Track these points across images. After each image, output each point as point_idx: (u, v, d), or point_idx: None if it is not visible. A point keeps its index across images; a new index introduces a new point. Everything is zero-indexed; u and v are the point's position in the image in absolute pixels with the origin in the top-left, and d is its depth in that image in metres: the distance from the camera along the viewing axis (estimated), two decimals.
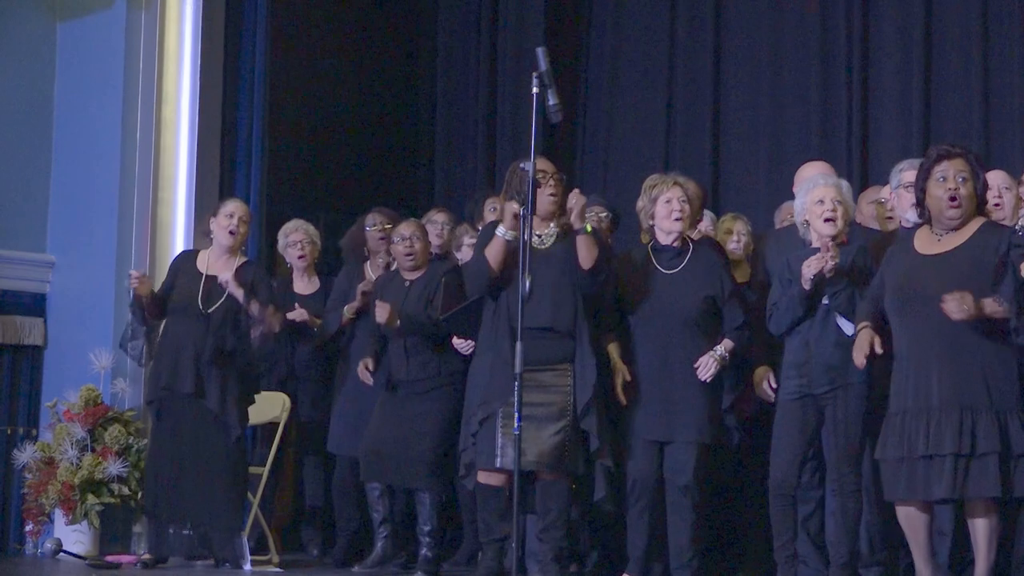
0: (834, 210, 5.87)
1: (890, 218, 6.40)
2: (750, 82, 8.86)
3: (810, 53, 8.59)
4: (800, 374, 5.88)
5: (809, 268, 5.76)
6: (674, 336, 6.18)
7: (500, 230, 6.20)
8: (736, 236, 7.03)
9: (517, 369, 5.38)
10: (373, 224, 7.54)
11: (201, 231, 7.25)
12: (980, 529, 5.30)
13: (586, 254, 6.11)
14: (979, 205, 5.43)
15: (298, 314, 7.55)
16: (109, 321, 8.02)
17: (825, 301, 5.84)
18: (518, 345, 5.37)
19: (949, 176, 5.35)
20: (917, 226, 5.70)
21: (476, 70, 9.82)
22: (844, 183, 6.09)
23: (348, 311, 7.37)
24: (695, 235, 6.73)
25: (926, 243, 5.46)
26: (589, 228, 6.15)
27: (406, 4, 9.95)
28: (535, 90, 5.37)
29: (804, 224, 5.99)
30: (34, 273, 8.37)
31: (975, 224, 5.39)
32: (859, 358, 5.51)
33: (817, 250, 5.81)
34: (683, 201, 6.25)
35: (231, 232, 7.00)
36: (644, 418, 6.19)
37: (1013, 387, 5.24)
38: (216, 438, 6.88)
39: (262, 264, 7.71)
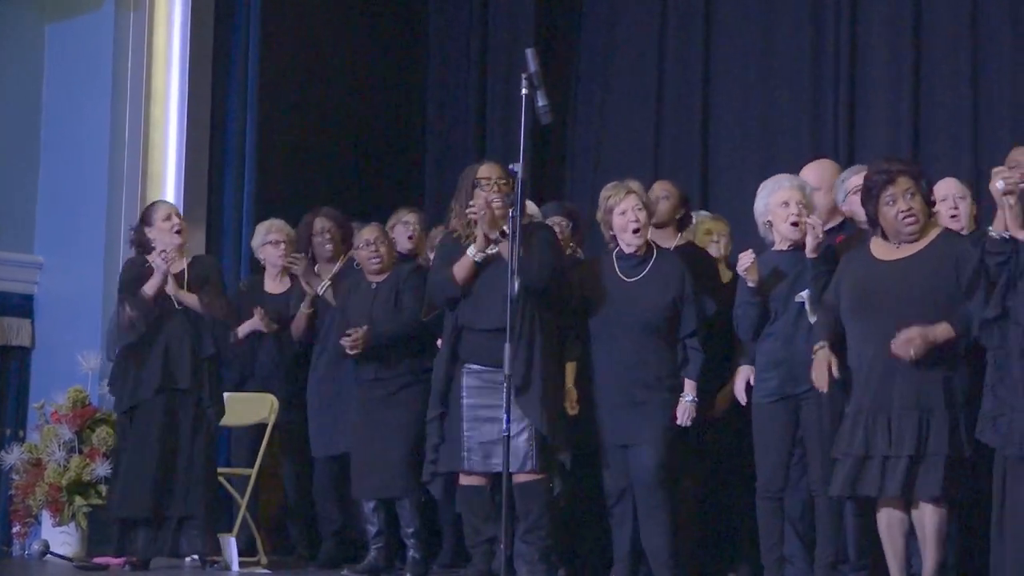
0: (799, 213, 5.88)
1: None
2: (740, 84, 8.85)
3: (800, 55, 8.59)
4: (778, 374, 5.87)
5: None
6: (636, 344, 6.18)
7: (471, 251, 6.16)
8: (716, 237, 7.02)
9: (506, 371, 5.38)
10: (321, 230, 7.56)
11: (137, 240, 7.12)
12: (928, 527, 5.33)
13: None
14: (929, 211, 5.51)
15: (251, 324, 7.53)
16: (97, 322, 8.01)
17: (799, 300, 5.84)
18: (506, 347, 5.37)
19: (898, 196, 5.43)
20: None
21: (466, 71, 9.81)
22: (808, 184, 6.10)
23: (304, 307, 7.41)
24: (679, 240, 6.74)
25: (884, 250, 5.52)
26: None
27: (397, 5, 9.94)
28: (525, 91, 5.37)
29: (767, 225, 6.00)
30: (22, 274, 8.36)
31: (933, 232, 5.47)
32: (820, 383, 5.57)
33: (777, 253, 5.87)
34: (638, 210, 6.24)
35: (179, 231, 7.02)
36: (610, 425, 6.20)
37: (965, 388, 5.29)
38: (194, 435, 6.89)
39: (214, 257, 7.70)
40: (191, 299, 6.93)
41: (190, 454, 6.88)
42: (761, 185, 6.08)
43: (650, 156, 9.01)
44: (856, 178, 6.09)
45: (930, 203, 5.51)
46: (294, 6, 9.22)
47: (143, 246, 7.07)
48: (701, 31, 8.99)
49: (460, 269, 6.19)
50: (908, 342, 5.20)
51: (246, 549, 7.31)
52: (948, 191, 5.94)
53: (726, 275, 6.72)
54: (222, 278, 7.28)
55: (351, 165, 9.44)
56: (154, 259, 6.90)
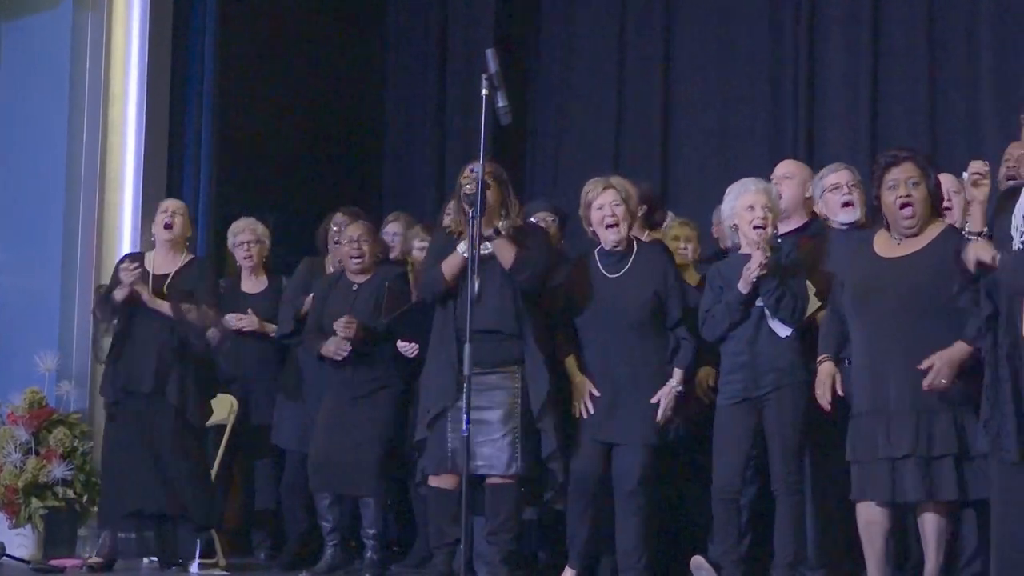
0: (764, 217, 5.88)
1: None
2: (700, 84, 8.89)
3: (759, 56, 8.64)
4: (742, 376, 5.88)
5: (750, 270, 5.78)
6: (620, 339, 6.18)
7: (461, 247, 6.13)
8: (683, 243, 7.03)
9: (465, 371, 5.38)
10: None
11: (146, 239, 7.25)
12: (931, 529, 5.34)
13: (503, 255, 6.09)
14: (936, 205, 5.45)
15: (248, 322, 7.49)
16: (55, 323, 7.97)
17: (759, 303, 5.87)
18: (466, 347, 5.36)
19: (899, 182, 5.37)
20: (851, 226, 5.91)
21: (426, 71, 9.81)
22: (774, 188, 6.12)
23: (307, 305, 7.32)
24: (646, 238, 6.75)
25: (885, 246, 5.48)
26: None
27: (355, 5, 9.92)
28: (485, 92, 5.36)
29: (732, 228, 6.01)
30: None
31: (936, 228, 5.41)
32: (823, 400, 5.54)
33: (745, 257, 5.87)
34: (616, 204, 6.23)
35: (167, 225, 7.03)
36: (591, 418, 6.19)
37: (969, 388, 5.24)
38: (178, 434, 6.86)
39: (208, 261, 7.66)
40: (164, 306, 6.89)
41: (170, 457, 6.84)
42: (728, 189, 6.09)
43: (610, 156, 9.04)
44: (834, 176, 6.12)
45: (938, 198, 5.45)
46: (252, 7, 9.18)
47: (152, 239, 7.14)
48: (660, 32, 9.03)
49: (449, 265, 6.18)
50: (937, 374, 5.16)
51: (205, 550, 7.28)
52: (944, 185, 5.83)
53: (693, 278, 6.74)
54: (215, 283, 7.23)
55: (310, 165, 9.42)
56: (122, 272, 6.90)
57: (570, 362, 6.27)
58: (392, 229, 7.61)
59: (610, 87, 9.19)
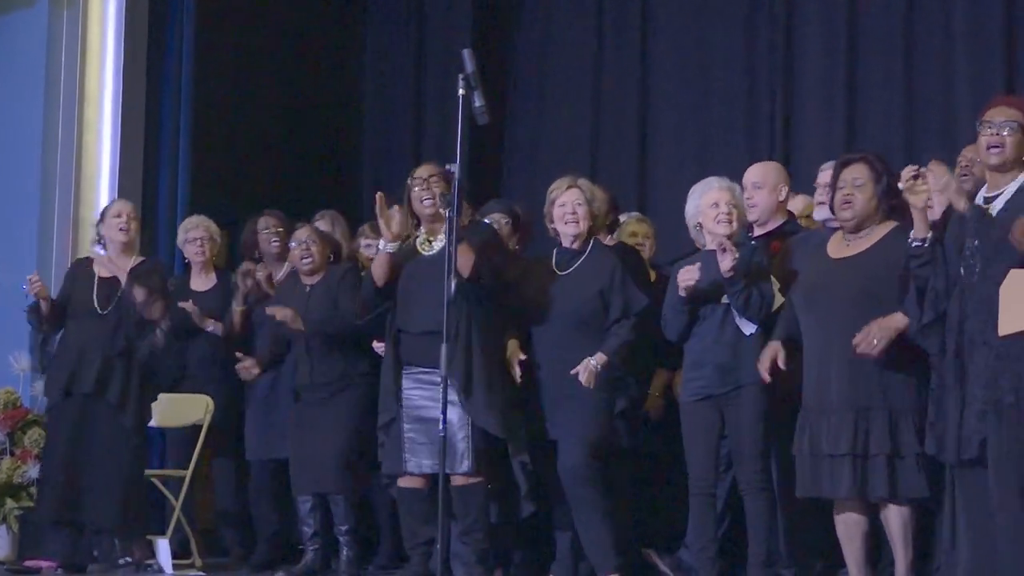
0: (729, 214, 5.91)
1: None
2: (677, 85, 8.91)
3: (735, 56, 8.66)
4: (705, 374, 5.91)
5: (683, 278, 5.81)
6: (568, 337, 6.18)
7: (382, 243, 6.18)
8: (641, 240, 7.04)
9: (442, 372, 5.38)
10: (265, 228, 7.54)
11: (96, 237, 7.19)
12: (892, 527, 5.39)
13: (462, 262, 6.00)
14: (888, 208, 5.52)
15: (188, 306, 7.44)
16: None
17: (726, 301, 5.89)
18: (443, 347, 5.36)
19: (847, 183, 5.51)
20: (824, 223, 6.02)
21: (403, 71, 9.80)
22: (737, 187, 6.14)
23: (236, 304, 7.38)
24: (609, 241, 6.76)
25: (836, 247, 5.60)
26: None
27: (333, 5, 9.90)
28: (461, 92, 5.36)
29: (697, 227, 6.03)
30: None
31: (884, 228, 5.50)
32: (762, 369, 5.63)
33: (697, 256, 5.93)
34: (579, 204, 6.26)
35: (122, 229, 7.01)
36: (548, 422, 6.21)
37: (908, 389, 5.33)
38: (115, 439, 6.85)
39: (159, 260, 7.65)
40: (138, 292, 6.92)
41: (104, 460, 6.83)
42: (691, 189, 6.11)
43: (587, 157, 9.05)
44: (823, 175, 6.19)
45: (885, 201, 5.51)
46: (229, 7, 9.16)
47: (98, 244, 7.14)
48: (637, 33, 9.04)
49: (376, 266, 6.21)
50: (867, 335, 5.23)
51: (180, 551, 7.27)
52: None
53: (651, 276, 6.76)
54: (164, 280, 7.25)
55: (287, 165, 9.40)
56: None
57: (512, 343, 6.26)
58: (321, 225, 7.63)
59: (587, 87, 9.20)
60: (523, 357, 6.19)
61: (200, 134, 8.73)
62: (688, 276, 5.82)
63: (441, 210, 5.90)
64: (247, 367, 7.13)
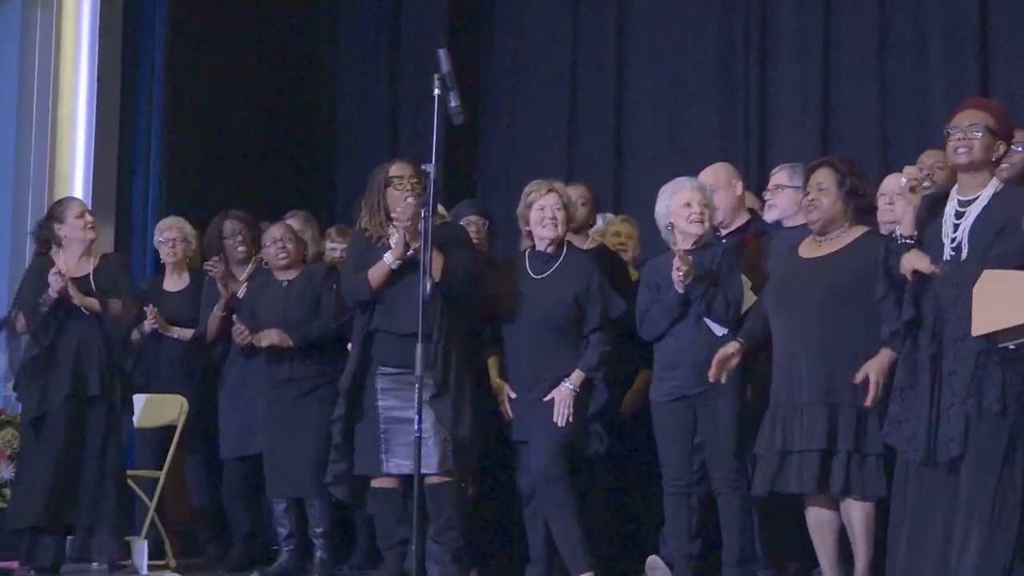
0: (701, 213, 5.95)
1: None
2: (651, 85, 8.92)
3: (710, 58, 8.68)
4: (678, 374, 5.93)
5: (679, 272, 5.82)
6: (542, 341, 6.20)
7: (388, 258, 6.07)
8: (624, 240, 7.05)
9: (417, 371, 5.37)
10: (231, 232, 7.52)
11: (44, 236, 7.00)
12: (854, 523, 5.43)
13: (434, 266, 5.98)
14: (854, 209, 5.58)
15: (152, 312, 7.40)
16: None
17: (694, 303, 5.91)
18: (418, 347, 5.36)
19: (812, 187, 5.61)
20: (775, 224, 6.19)
21: (378, 71, 9.79)
22: (708, 187, 6.17)
23: (218, 309, 7.35)
24: (589, 243, 6.76)
25: (808, 248, 5.67)
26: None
27: (307, 5, 9.88)
28: (437, 92, 5.36)
29: (668, 228, 6.04)
30: None
31: (856, 232, 5.58)
32: (715, 370, 5.67)
33: (669, 255, 5.92)
34: (557, 208, 6.27)
35: (92, 228, 6.94)
36: (520, 423, 6.23)
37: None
38: (104, 439, 6.80)
39: (122, 256, 7.59)
40: (94, 304, 6.82)
41: (100, 461, 6.79)
42: (661, 189, 6.13)
43: (563, 157, 9.05)
44: (775, 178, 6.33)
45: (851, 204, 5.57)
46: (202, 6, 9.13)
47: (49, 243, 6.96)
48: (612, 32, 9.05)
49: (375, 275, 6.14)
50: (876, 386, 5.26)
51: (155, 552, 7.24)
52: (888, 187, 5.97)
53: (633, 276, 6.76)
54: (131, 278, 7.23)
55: (261, 165, 9.37)
56: (52, 277, 6.73)
57: (491, 363, 6.31)
58: (292, 225, 7.63)
59: (562, 87, 9.21)
60: (513, 396, 6.23)
61: (174, 133, 8.70)
62: (682, 265, 5.81)
63: (418, 208, 5.87)
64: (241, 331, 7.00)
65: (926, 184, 5.80)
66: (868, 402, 5.28)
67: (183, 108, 8.84)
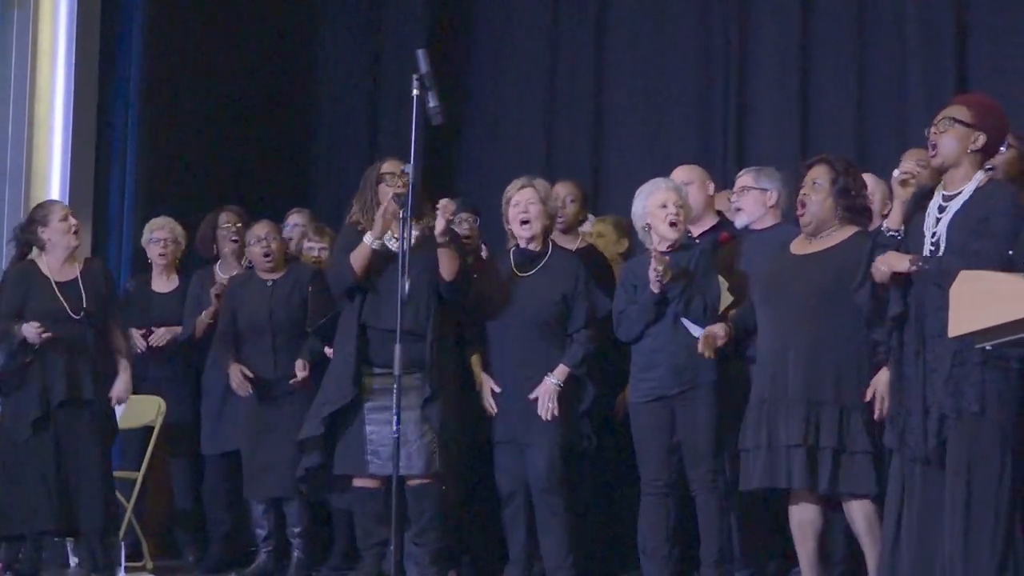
0: (677, 214, 5.96)
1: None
2: (631, 87, 8.93)
3: (690, 58, 8.69)
4: (656, 375, 5.93)
5: (655, 272, 5.82)
6: (530, 340, 6.21)
7: (368, 238, 6.13)
8: (613, 239, 7.06)
9: (396, 371, 5.37)
10: (226, 224, 7.52)
11: (25, 239, 6.88)
12: (857, 522, 5.42)
13: (448, 266, 6.10)
14: (844, 208, 5.56)
15: (157, 337, 7.43)
16: None
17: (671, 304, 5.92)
18: (396, 348, 5.35)
19: (807, 183, 5.58)
20: (743, 229, 6.19)
21: (358, 71, 9.77)
22: (684, 188, 6.18)
23: (206, 316, 7.33)
24: (579, 242, 6.77)
25: (799, 244, 5.66)
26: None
27: (288, 4, 9.86)
28: (416, 92, 5.36)
29: (645, 228, 6.04)
30: None
31: (847, 231, 5.54)
32: (704, 345, 5.67)
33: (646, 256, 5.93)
34: (531, 203, 6.29)
35: (75, 232, 6.87)
36: (503, 423, 6.23)
37: (861, 384, 5.36)
38: (94, 441, 6.74)
39: (105, 265, 7.51)
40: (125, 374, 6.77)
41: (90, 466, 6.73)
42: (638, 190, 6.14)
43: (542, 157, 9.05)
44: (740, 180, 6.34)
45: (844, 203, 5.55)
46: (181, 5, 9.11)
47: (30, 247, 6.88)
48: (592, 33, 9.05)
49: (357, 257, 6.15)
50: (882, 401, 5.23)
51: (132, 554, 7.22)
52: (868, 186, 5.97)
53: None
54: (116, 290, 7.15)
55: (240, 164, 9.34)
56: (28, 332, 6.56)
57: (474, 360, 6.32)
58: (293, 220, 7.66)
59: (542, 88, 9.21)
60: (497, 390, 6.24)
61: (152, 132, 8.68)
62: (659, 265, 5.82)
63: (398, 207, 5.86)
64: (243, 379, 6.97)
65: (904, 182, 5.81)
66: (876, 416, 5.26)
67: (161, 107, 8.81)
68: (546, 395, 6.15)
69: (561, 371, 6.18)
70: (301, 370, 6.80)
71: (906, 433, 4.91)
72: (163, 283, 7.71)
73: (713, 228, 6.41)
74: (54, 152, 8.30)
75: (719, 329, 5.72)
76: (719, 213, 6.53)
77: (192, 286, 7.55)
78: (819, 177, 5.56)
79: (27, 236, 6.87)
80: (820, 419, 5.36)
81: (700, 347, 5.70)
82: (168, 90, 8.92)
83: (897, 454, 5.02)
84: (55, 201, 7.30)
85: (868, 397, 5.30)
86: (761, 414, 5.48)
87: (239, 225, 7.49)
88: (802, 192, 5.59)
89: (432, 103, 5.35)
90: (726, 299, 5.99)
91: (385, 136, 9.52)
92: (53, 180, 8.27)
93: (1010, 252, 4.70)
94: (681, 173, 6.50)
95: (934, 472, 4.86)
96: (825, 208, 5.54)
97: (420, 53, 5.40)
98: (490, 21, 9.53)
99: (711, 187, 6.51)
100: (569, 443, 6.22)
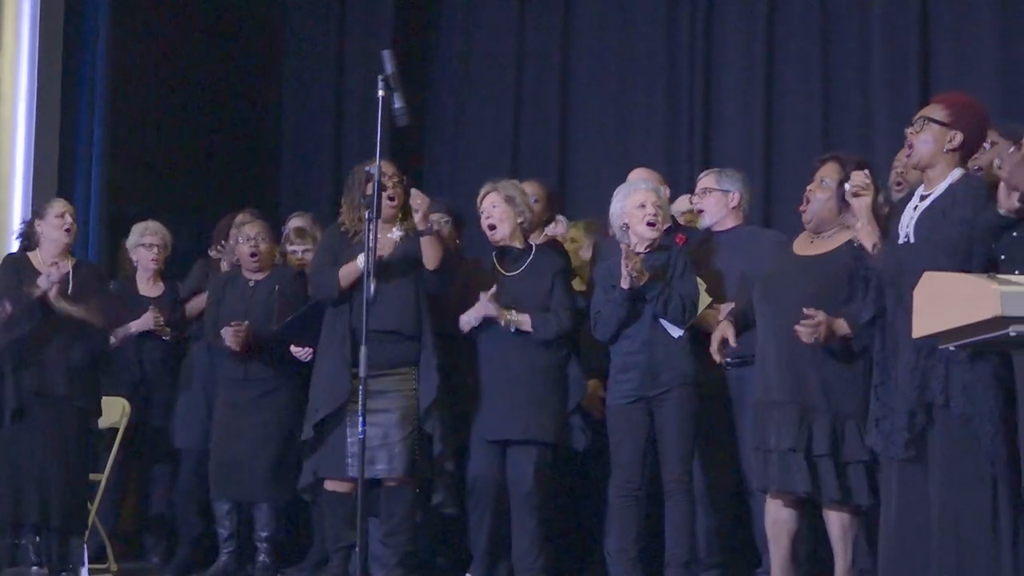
0: (655, 214, 5.97)
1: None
2: (598, 88, 8.95)
3: (655, 59, 8.72)
4: (637, 376, 5.92)
5: (627, 267, 5.82)
6: (515, 338, 6.21)
7: (361, 261, 5.96)
8: (584, 245, 7.08)
9: (361, 373, 5.36)
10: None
11: (27, 233, 6.91)
12: (832, 527, 5.42)
13: (431, 254, 6.13)
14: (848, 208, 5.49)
15: (144, 322, 7.40)
16: None
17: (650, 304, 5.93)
18: (362, 349, 5.34)
19: (815, 180, 5.54)
20: (706, 230, 6.23)
21: (323, 72, 9.76)
22: (661, 188, 6.19)
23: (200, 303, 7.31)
24: (542, 239, 6.78)
25: (801, 245, 5.63)
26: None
27: (252, 6, 9.83)
28: (381, 93, 5.35)
29: (623, 228, 6.05)
30: None
31: (846, 235, 5.41)
32: (713, 349, 5.65)
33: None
34: (494, 206, 6.32)
35: (68, 230, 6.84)
36: (486, 419, 6.23)
37: (853, 393, 5.32)
38: (73, 438, 6.70)
39: (96, 265, 7.52)
40: (76, 310, 6.73)
41: (65, 462, 6.69)
42: (616, 190, 6.14)
43: (507, 158, 9.06)
44: (701, 182, 6.40)
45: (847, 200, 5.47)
46: (145, 6, 9.07)
47: (29, 239, 6.88)
48: (559, 34, 9.08)
49: (346, 275, 6.15)
50: (814, 328, 5.23)
51: (96, 556, 7.18)
52: None
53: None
54: (106, 285, 7.12)
55: (206, 166, 9.32)
56: (44, 270, 6.62)
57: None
58: (295, 223, 7.62)
59: (508, 89, 9.22)
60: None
61: (116, 134, 8.64)
62: (632, 262, 5.82)
63: (363, 209, 5.86)
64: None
65: (898, 186, 5.81)
66: (798, 332, 5.25)
67: (125, 108, 8.77)
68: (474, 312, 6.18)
69: (526, 319, 6.19)
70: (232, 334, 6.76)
71: (893, 434, 4.84)
72: (151, 288, 7.65)
73: (667, 231, 6.41)
74: (17, 154, 8.25)
75: (727, 331, 5.66)
76: (672, 217, 6.53)
77: (193, 274, 7.56)
78: (828, 176, 5.50)
79: (28, 230, 6.91)
80: (812, 425, 5.32)
81: (713, 351, 5.63)
82: (132, 92, 8.88)
83: (883, 457, 4.97)
84: (58, 199, 7.27)
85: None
86: (757, 416, 5.48)
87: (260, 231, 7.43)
88: (809, 188, 5.54)
89: (398, 104, 5.33)
90: (705, 300, 5.99)
91: (350, 137, 9.51)
92: (16, 182, 8.23)
93: (964, 229, 4.64)
94: (637, 176, 6.52)
95: (910, 468, 4.81)
96: (827, 208, 5.50)
97: (385, 54, 5.39)
98: (456, 22, 9.54)
99: (666, 191, 6.51)
100: (557, 442, 6.22)
